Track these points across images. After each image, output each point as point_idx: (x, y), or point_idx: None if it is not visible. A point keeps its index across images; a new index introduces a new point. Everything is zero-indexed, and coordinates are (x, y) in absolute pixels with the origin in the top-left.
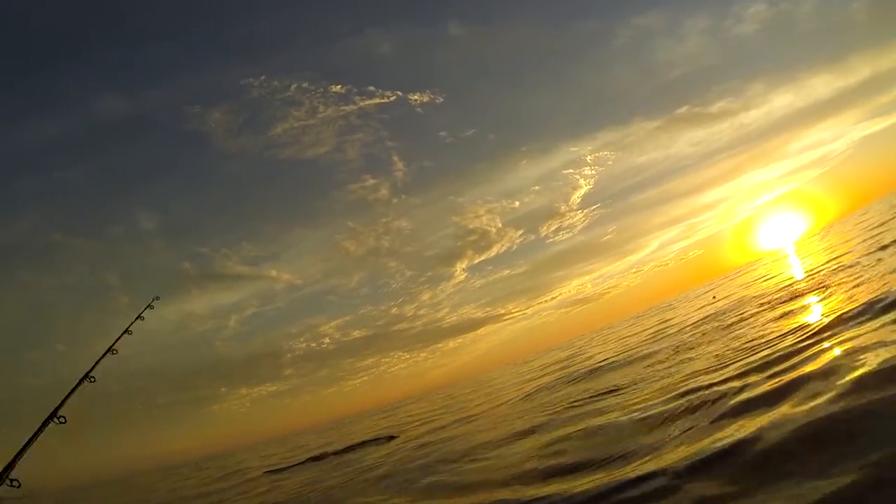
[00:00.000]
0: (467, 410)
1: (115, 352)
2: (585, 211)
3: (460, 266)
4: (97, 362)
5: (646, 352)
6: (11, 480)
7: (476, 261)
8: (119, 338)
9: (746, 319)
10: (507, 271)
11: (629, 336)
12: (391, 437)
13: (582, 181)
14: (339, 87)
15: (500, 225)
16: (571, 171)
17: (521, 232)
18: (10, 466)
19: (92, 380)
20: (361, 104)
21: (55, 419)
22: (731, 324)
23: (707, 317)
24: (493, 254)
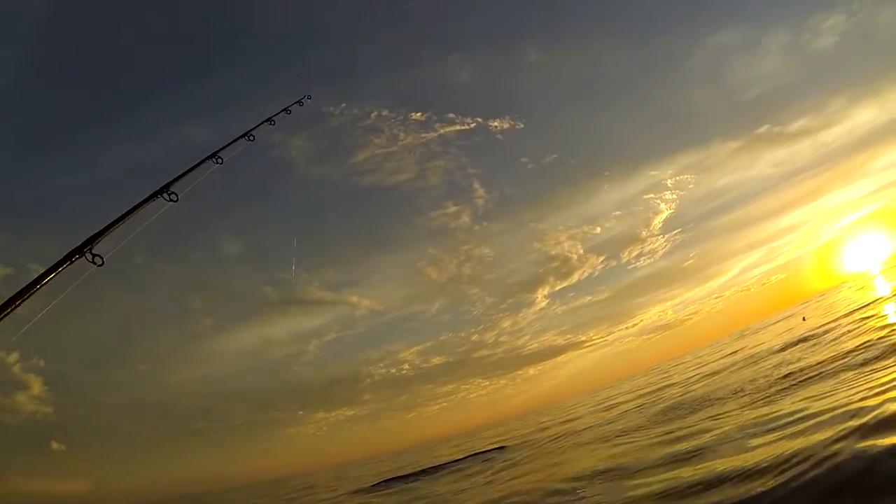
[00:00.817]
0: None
1: (251, 138)
2: (667, 236)
3: (541, 293)
4: (230, 143)
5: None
6: (94, 255)
7: (557, 287)
8: (259, 125)
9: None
10: (589, 298)
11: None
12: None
13: (663, 205)
14: (419, 114)
15: (581, 251)
16: (652, 195)
17: (602, 258)
18: (95, 239)
19: (219, 161)
20: (442, 131)
21: (165, 194)
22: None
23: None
24: (574, 280)
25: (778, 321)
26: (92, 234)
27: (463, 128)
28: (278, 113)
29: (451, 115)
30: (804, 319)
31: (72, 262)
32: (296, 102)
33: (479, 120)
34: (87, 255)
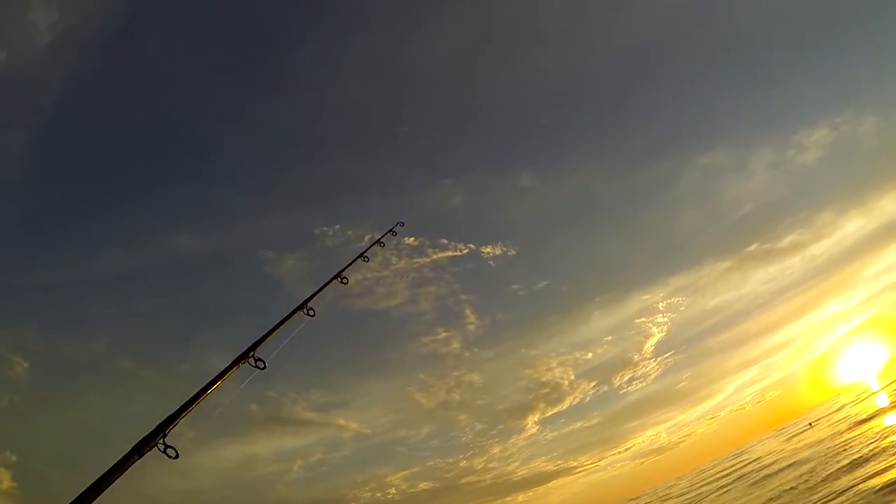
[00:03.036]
0: None
1: (366, 259)
2: (659, 359)
3: (532, 419)
4: (349, 265)
5: None
6: (257, 360)
7: (548, 413)
8: (370, 246)
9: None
10: (580, 423)
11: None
12: None
13: (654, 329)
14: (412, 239)
15: (572, 377)
16: (644, 319)
17: (593, 383)
18: (256, 346)
19: (344, 281)
20: (434, 257)
21: (304, 310)
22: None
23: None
24: (565, 406)
25: (774, 437)
26: (253, 342)
27: (455, 254)
28: (370, 246)
29: (444, 241)
30: (810, 425)
31: (238, 367)
32: (389, 231)
33: (472, 246)
34: (250, 360)
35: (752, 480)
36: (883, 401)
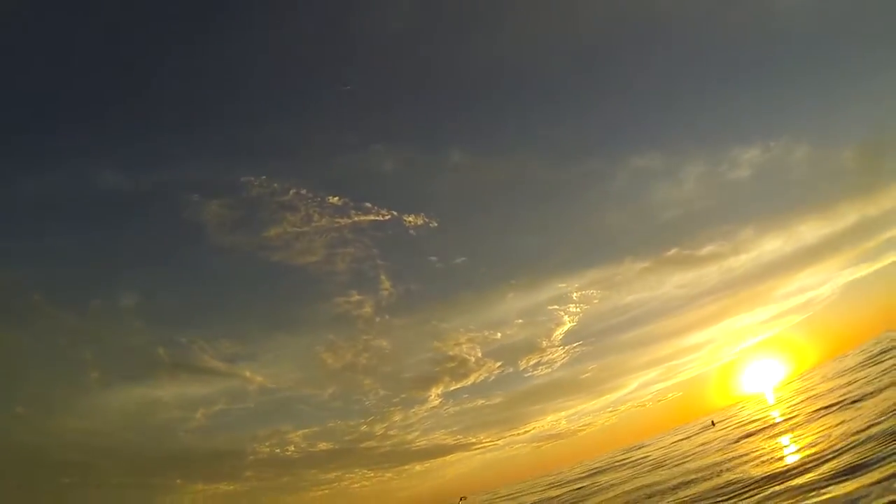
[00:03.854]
0: None
1: None
2: (567, 347)
3: (435, 391)
4: None
5: None
6: None
7: (452, 388)
8: None
9: None
10: (482, 401)
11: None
12: None
13: (566, 318)
14: (336, 198)
15: (479, 355)
16: (557, 307)
17: (499, 363)
18: None
19: None
20: (356, 219)
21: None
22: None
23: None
24: (469, 382)
25: (674, 435)
26: None
27: (378, 218)
28: None
29: (368, 205)
30: (713, 424)
31: None
32: None
33: (395, 213)
34: None
35: (641, 471)
36: (774, 415)
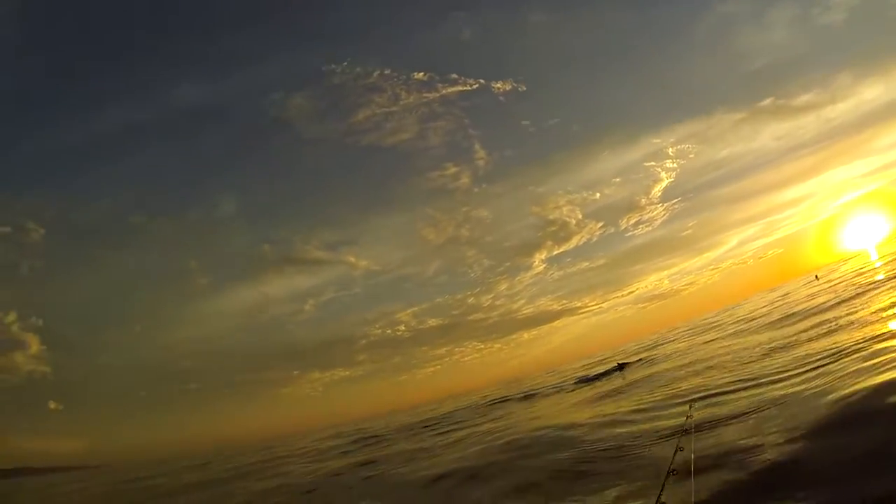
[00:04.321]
0: None
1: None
2: (666, 205)
3: (539, 257)
4: None
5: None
6: None
7: (555, 252)
8: None
9: None
10: (586, 264)
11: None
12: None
13: (663, 174)
14: (421, 74)
15: (580, 216)
16: (653, 163)
17: (601, 224)
18: None
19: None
20: (444, 92)
21: None
22: None
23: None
24: (572, 245)
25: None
26: None
27: (465, 88)
28: None
29: (454, 76)
30: (817, 277)
31: None
32: None
33: (482, 81)
34: None
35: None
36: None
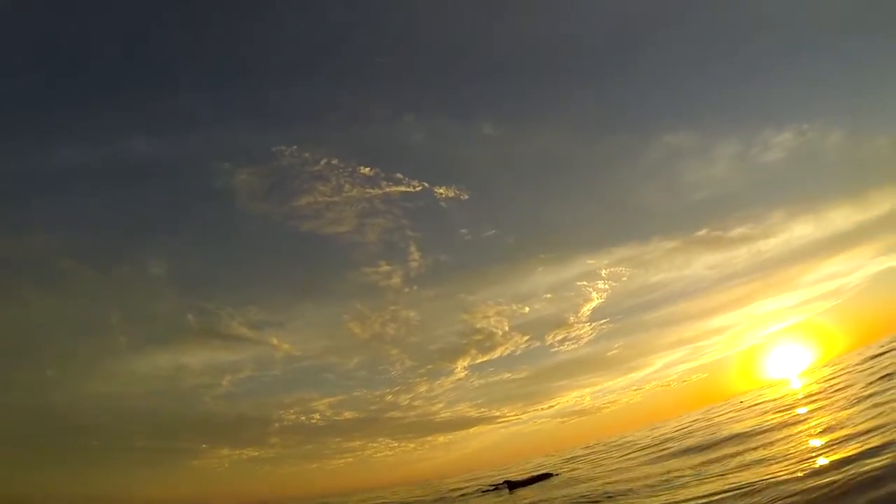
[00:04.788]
0: None
1: None
2: (594, 324)
3: (462, 363)
4: None
5: None
6: None
7: (478, 360)
8: None
9: None
10: (508, 374)
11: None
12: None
13: (594, 294)
14: (368, 169)
15: (507, 328)
16: (585, 283)
17: (526, 338)
18: None
19: None
20: (387, 189)
21: None
22: None
23: None
24: (496, 355)
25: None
26: None
27: (409, 189)
28: None
29: (399, 176)
30: (741, 402)
31: None
32: None
33: (426, 184)
34: None
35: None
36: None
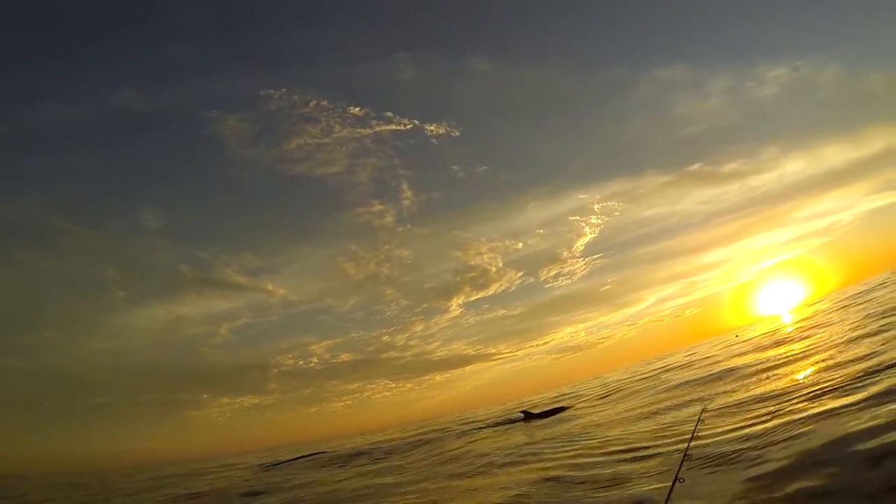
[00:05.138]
0: None
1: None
2: (587, 259)
3: (456, 301)
4: None
5: None
6: None
7: (473, 298)
8: None
9: None
10: (503, 311)
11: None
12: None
13: (587, 229)
14: (357, 108)
15: (500, 264)
16: (578, 217)
17: (520, 273)
18: None
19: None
20: (378, 129)
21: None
22: None
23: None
24: (490, 292)
25: (692, 350)
26: None
27: (399, 128)
28: None
29: (389, 114)
30: (737, 336)
31: None
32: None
33: (416, 122)
34: None
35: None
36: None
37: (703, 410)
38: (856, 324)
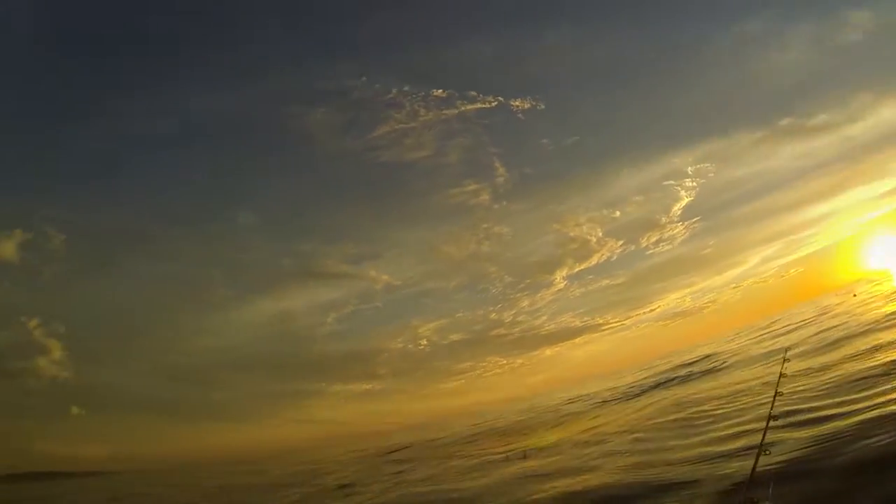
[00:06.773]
0: None
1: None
2: (686, 223)
3: (560, 274)
4: None
5: None
6: None
7: (576, 269)
8: None
9: None
10: (607, 281)
11: None
12: None
13: (683, 192)
14: (440, 91)
15: (600, 234)
16: (672, 182)
17: (620, 242)
18: None
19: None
20: (463, 108)
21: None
22: None
23: None
24: (592, 263)
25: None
26: None
27: (484, 106)
28: None
29: (473, 93)
30: (855, 295)
31: None
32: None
33: (501, 99)
34: None
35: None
36: None
37: None
38: None
